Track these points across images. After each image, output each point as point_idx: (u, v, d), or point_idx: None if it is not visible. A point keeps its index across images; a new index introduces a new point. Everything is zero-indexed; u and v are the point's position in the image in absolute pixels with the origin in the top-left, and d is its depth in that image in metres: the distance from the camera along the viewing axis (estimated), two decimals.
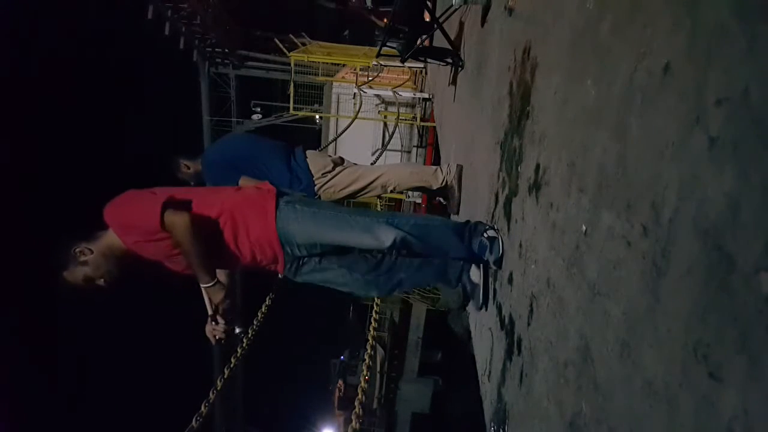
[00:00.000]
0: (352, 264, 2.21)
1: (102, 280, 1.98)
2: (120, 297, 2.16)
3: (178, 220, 1.91)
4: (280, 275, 2.25)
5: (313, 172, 3.03)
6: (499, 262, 2.05)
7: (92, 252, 1.97)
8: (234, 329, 2.11)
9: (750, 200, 0.67)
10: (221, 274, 2.13)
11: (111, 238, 1.99)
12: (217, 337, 2.06)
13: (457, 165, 3.28)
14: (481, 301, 2.20)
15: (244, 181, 2.91)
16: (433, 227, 2.22)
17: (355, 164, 3.28)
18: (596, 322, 1.10)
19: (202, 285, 2.00)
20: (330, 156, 3.26)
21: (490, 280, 2.21)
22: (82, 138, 20.65)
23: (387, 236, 2.10)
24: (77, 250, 1.96)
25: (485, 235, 2.14)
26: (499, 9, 2.75)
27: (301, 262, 2.19)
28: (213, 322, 2.05)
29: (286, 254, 2.14)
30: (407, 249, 2.20)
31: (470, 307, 2.40)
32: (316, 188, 3.04)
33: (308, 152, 3.14)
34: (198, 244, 1.94)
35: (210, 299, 2.04)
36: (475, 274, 2.23)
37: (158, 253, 2.03)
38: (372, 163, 4.92)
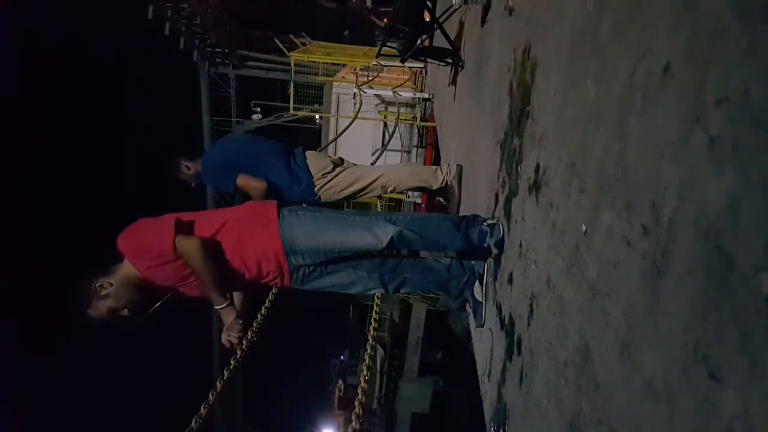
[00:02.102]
0: (357, 264, 2.26)
1: (125, 309, 2.04)
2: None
3: (189, 245, 1.98)
4: (287, 287, 2.28)
5: (312, 173, 3.03)
6: (500, 244, 2.08)
7: (112, 284, 2.02)
8: (247, 335, 2.19)
9: (750, 200, 0.67)
10: (235, 296, 2.18)
11: (127, 268, 2.04)
12: (231, 343, 2.13)
13: (457, 165, 3.28)
14: (483, 319, 2.26)
15: (242, 179, 2.91)
16: (431, 220, 2.29)
17: (355, 164, 3.28)
18: (596, 322, 1.10)
19: (215, 307, 2.07)
20: (330, 156, 3.25)
21: (490, 279, 2.22)
22: (81, 139, 20.65)
23: (386, 232, 2.15)
24: (97, 284, 2.01)
25: (485, 223, 2.19)
26: (499, 9, 2.75)
27: (307, 271, 2.23)
28: (227, 331, 2.12)
29: (291, 264, 2.17)
30: (407, 245, 2.24)
31: (471, 324, 2.44)
32: (315, 189, 3.03)
33: (308, 153, 3.13)
34: (209, 266, 2.00)
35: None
36: (478, 291, 2.29)
37: (171, 276, 2.07)
38: (372, 164, 4.92)
